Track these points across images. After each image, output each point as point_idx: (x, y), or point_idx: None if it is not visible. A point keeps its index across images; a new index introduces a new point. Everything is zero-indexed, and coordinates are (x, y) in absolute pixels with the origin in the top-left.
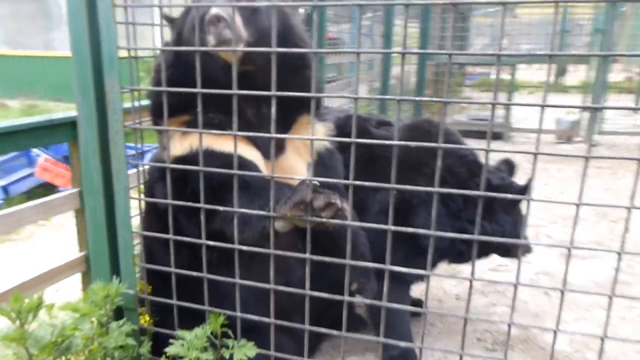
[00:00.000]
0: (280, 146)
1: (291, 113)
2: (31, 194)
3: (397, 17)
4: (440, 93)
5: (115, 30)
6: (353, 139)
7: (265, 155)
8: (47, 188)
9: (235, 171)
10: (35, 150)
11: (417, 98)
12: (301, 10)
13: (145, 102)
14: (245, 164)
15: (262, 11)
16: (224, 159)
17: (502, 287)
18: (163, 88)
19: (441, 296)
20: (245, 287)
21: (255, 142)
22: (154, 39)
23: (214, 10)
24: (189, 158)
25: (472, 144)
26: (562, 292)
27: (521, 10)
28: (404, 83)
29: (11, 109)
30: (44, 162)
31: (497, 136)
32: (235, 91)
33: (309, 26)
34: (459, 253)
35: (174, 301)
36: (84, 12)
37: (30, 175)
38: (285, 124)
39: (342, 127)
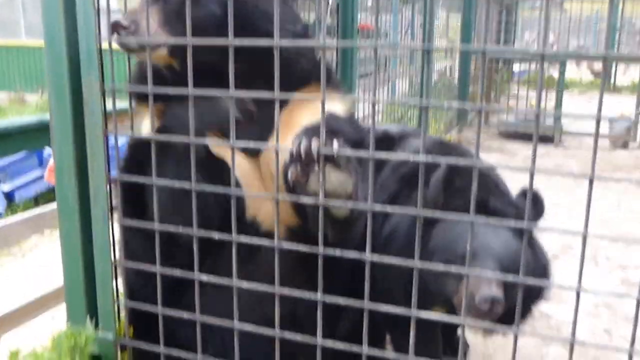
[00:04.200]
0: (266, 135)
1: (285, 86)
2: (40, 201)
3: (439, 9)
4: (486, 89)
5: (96, 19)
6: (372, 152)
7: (244, 149)
8: None
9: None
10: (48, 150)
11: (446, 104)
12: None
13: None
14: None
15: None
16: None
17: (556, 323)
18: (149, 87)
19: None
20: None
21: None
22: (148, 29)
23: (113, 18)
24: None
25: (520, 148)
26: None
27: (569, 5)
28: (447, 78)
29: (29, 104)
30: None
31: (547, 139)
32: (233, 93)
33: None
34: None
35: (160, 349)
36: None
37: (40, 178)
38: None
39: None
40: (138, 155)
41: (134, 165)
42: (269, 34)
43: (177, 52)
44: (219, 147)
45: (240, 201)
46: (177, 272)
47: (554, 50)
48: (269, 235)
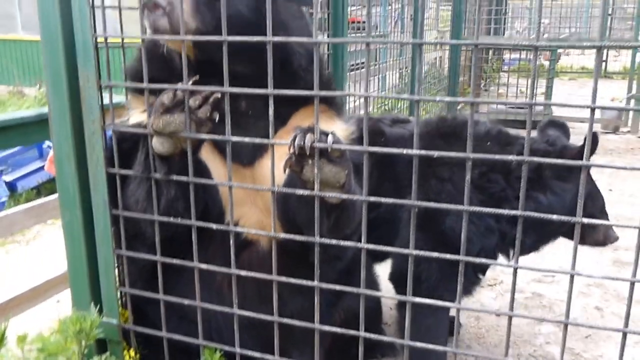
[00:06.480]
0: (260, 146)
1: (284, 106)
2: (41, 190)
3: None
4: (476, 80)
5: (91, 14)
6: (365, 147)
7: (236, 159)
8: None
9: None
10: (47, 142)
11: (438, 98)
12: None
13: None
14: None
15: None
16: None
17: (548, 301)
18: (144, 85)
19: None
20: (222, 315)
21: (217, 143)
22: (142, 26)
23: None
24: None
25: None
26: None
27: None
28: (437, 69)
29: (28, 97)
30: None
31: (536, 125)
32: (228, 89)
33: (327, 9)
34: (513, 243)
35: (163, 333)
36: None
37: (41, 169)
38: (276, 120)
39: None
40: (121, 150)
41: (119, 159)
42: (284, 46)
43: (202, 43)
44: (206, 153)
45: (217, 205)
46: (176, 261)
47: (546, 42)
48: (250, 243)
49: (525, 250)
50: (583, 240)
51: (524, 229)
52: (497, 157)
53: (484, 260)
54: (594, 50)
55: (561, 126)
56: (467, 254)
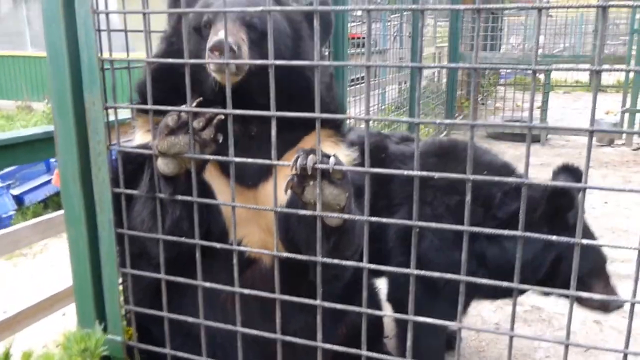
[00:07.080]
0: (266, 170)
1: (294, 130)
2: (49, 203)
3: (426, 17)
4: (475, 96)
5: (96, 39)
6: (367, 168)
7: (241, 181)
8: None
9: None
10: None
11: (438, 121)
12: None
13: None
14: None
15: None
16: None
17: (547, 315)
18: (149, 106)
19: (479, 325)
20: (226, 332)
21: (222, 164)
22: (147, 49)
23: (222, 35)
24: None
25: (508, 148)
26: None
27: (555, 10)
28: (435, 83)
29: (36, 112)
30: None
31: (533, 139)
32: (230, 110)
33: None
34: (476, 285)
35: (167, 350)
36: (61, 19)
37: (48, 182)
38: (285, 144)
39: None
40: (126, 170)
41: (124, 179)
42: (308, 79)
43: (250, 78)
44: (211, 175)
45: (220, 225)
46: (181, 279)
47: (544, 67)
48: (253, 261)
49: (488, 295)
50: (580, 302)
51: (487, 274)
52: (496, 178)
53: (484, 281)
54: (588, 65)
55: (574, 172)
56: (438, 285)
